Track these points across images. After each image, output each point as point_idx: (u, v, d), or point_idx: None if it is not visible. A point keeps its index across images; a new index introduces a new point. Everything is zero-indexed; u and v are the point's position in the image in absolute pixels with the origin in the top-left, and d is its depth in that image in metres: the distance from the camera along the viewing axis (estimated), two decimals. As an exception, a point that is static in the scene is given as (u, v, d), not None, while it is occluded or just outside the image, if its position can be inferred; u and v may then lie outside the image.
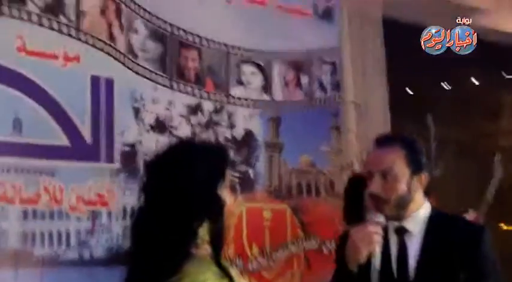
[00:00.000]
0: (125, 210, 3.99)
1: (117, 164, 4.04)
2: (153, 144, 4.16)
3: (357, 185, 3.73)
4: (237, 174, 4.56)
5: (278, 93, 5.13)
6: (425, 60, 4.38)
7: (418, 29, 4.25)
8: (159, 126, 4.31)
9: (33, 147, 3.68)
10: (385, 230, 2.36)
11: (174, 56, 4.52)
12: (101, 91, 4.01)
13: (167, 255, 1.85)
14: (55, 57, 3.82)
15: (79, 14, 3.95)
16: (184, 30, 4.56)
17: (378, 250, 2.27)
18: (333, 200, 5.01)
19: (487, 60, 6.11)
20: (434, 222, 2.40)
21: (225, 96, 4.77)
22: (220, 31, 4.77)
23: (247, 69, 4.97)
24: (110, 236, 3.91)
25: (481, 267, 2.31)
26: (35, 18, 3.75)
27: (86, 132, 3.91)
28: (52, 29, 3.82)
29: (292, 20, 5.24)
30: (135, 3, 4.28)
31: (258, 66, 5.04)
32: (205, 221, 1.94)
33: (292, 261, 4.94)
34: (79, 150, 3.88)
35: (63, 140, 3.81)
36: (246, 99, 4.89)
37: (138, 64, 4.28)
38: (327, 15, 5.47)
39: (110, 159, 4.01)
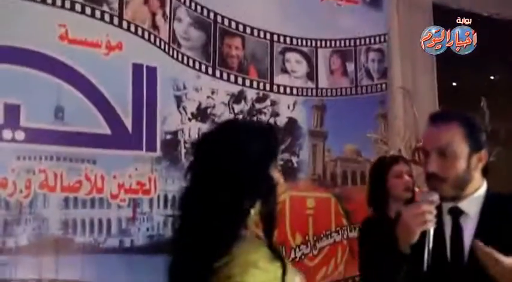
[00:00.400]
0: (166, 199, 3.99)
1: (158, 152, 4.04)
2: (195, 132, 4.17)
3: (381, 168, 3.67)
4: (280, 162, 4.54)
5: (323, 80, 5.09)
6: (475, 48, 4.27)
7: (469, 15, 4.15)
8: (201, 114, 4.30)
9: (75, 135, 3.71)
10: (439, 210, 2.23)
11: (217, 44, 4.50)
12: (143, 79, 4.02)
13: (217, 236, 1.79)
14: (97, 45, 3.83)
15: (122, 2, 3.96)
16: (227, 18, 4.55)
17: (431, 230, 2.15)
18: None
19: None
20: (491, 203, 2.28)
21: (269, 84, 4.74)
22: (264, 19, 4.74)
23: (292, 56, 4.94)
24: (151, 224, 3.92)
25: None
26: (78, 7, 3.77)
27: (128, 121, 3.92)
28: (95, 17, 3.84)
29: (339, 7, 5.19)
30: (178, -9, 4.27)
31: (303, 53, 4.99)
32: (257, 201, 1.88)
33: (335, 249, 4.91)
34: (120, 138, 3.89)
35: (104, 128, 3.83)
36: (290, 87, 4.84)
37: (181, 52, 4.27)
38: (375, 1, 5.39)
39: (151, 147, 4.01)
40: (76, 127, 3.72)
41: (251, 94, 4.60)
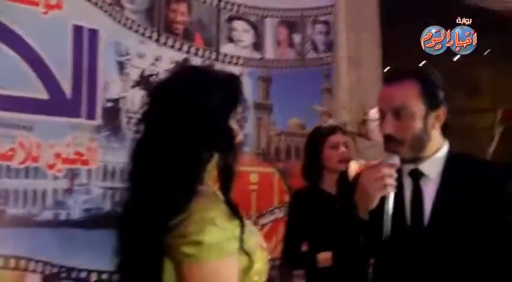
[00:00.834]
0: (105, 170, 3.83)
1: (98, 121, 3.86)
2: (137, 100, 3.96)
3: (317, 138, 3.55)
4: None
5: (270, 51, 4.94)
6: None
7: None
8: (145, 82, 4.11)
9: (9, 100, 3.51)
10: (399, 173, 2.12)
11: (163, 8, 4.31)
12: (84, 42, 3.82)
13: (171, 192, 1.63)
14: (35, 3, 3.62)
15: (63, -41, 3.72)
16: (173, -18, 4.35)
17: (391, 195, 2.05)
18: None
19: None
20: (452, 164, 2.17)
21: (215, 53, 4.57)
22: (212, -16, 4.56)
23: (239, 25, 4.77)
24: (89, 197, 3.75)
25: (510, 208, 2.08)
26: (14, -40, 3.52)
27: (67, 86, 3.73)
28: (33, -27, 3.61)
29: (287, -23, 5.04)
30: (123, -49, 4.06)
31: (250, 23, 4.83)
32: (215, 155, 1.72)
33: (277, 227, 4.79)
34: (58, 104, 3.69)
35: (42, 93, 3.63)
36: (236, 57, 4.68)
37: (124, 16, 4.07)
38: (321, -27, 5.26)
39: (91, 115, 3.83)
40: (11, 91, 3.53)
41: (196, 62, 4.41)
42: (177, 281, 1.64)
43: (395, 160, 2.09)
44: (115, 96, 3.97)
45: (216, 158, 1.72)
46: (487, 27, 4.57)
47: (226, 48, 4.69)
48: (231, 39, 4.73)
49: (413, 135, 2.12)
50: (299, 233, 3.41)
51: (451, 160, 2.19)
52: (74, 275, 3.63)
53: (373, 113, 4.10)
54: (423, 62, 4.61)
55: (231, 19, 4.73)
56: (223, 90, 1.75)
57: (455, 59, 5.67)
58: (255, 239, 1.77)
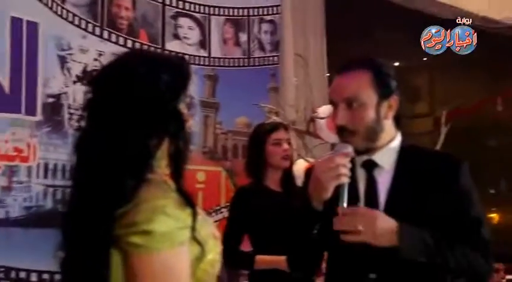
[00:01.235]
0: (46, 167, 3.71)
1: (39, 116, 3.75)
2: (80, 96, 3.85)
3: (260, 135, 3.53)
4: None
5: (216, 49, 4.89)
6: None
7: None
8: (87, 77, 3.99)
9: None
10: (353, 164, 2.08)
11: (106, 3, 4.22)
12: (23, 35, 3.71)
13: (119, 180, 1.55)
14: (-31, -7, 3.51)
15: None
16: (117, -24, 4.27)
17: (346, 185, 2.00)
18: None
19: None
20: (406, 155, 2.15)
21: (160, 49, 4.49)
22: (156, -21, 4.49)
23: (185, 22, 4.71)
24: (29, 194, 3.63)
25: (462, 201, 2.08)
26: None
27: (5, 80, 3.61)
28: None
29: (233, -25, 5.00)
30: None
31: (196, 20, 4.76)
32: (164, 140, 1.64)
33: (224, 226, 4.72)
34: (-3, 99, 3.57)
35: (-22, 87, 3.50)
36: (182, 54, 4.60)
37: (65, 9, 3.96)
38: (267, -29, 5.24)
39: (31, 110, 3.71)
40: None
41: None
42: (125, 272, 1.54)
43: (349, 149, 2.06)
44: (56, 91, 3.86)
45: (166, 144, 1.64)
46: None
47: (172, 45, 4.62)
48: (176, 36, 4.68)
49: (366, 125, 2.09)
50: (239, 227, 3.40)
51: (404, 151, 2.16)
52: (12, 275, 3.50)
53: (322, 111, 4.08)
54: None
55: (176, 16, 4.67)
56: (172, 72, 1.67)
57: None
58: (208, 228, 1.69)
